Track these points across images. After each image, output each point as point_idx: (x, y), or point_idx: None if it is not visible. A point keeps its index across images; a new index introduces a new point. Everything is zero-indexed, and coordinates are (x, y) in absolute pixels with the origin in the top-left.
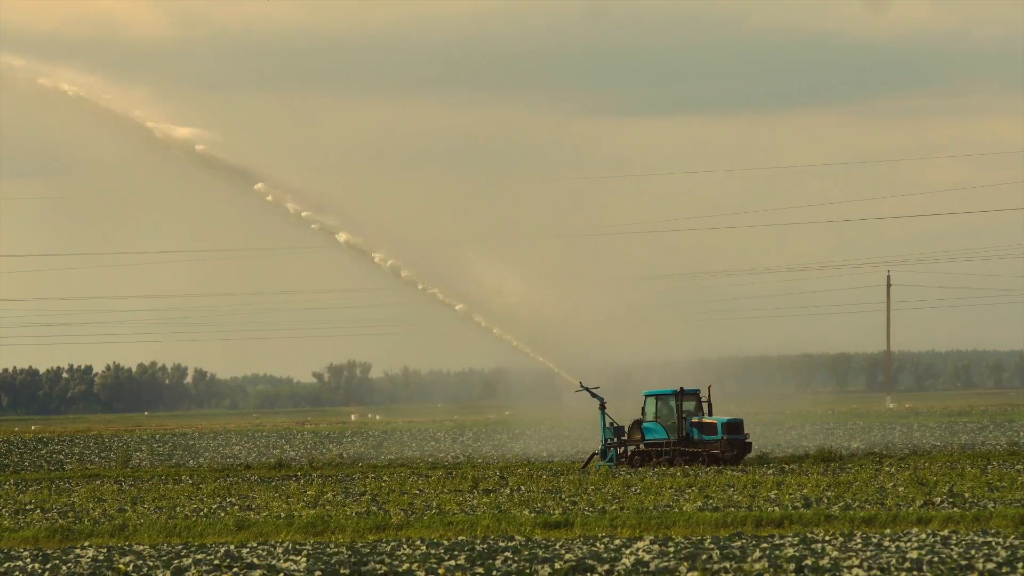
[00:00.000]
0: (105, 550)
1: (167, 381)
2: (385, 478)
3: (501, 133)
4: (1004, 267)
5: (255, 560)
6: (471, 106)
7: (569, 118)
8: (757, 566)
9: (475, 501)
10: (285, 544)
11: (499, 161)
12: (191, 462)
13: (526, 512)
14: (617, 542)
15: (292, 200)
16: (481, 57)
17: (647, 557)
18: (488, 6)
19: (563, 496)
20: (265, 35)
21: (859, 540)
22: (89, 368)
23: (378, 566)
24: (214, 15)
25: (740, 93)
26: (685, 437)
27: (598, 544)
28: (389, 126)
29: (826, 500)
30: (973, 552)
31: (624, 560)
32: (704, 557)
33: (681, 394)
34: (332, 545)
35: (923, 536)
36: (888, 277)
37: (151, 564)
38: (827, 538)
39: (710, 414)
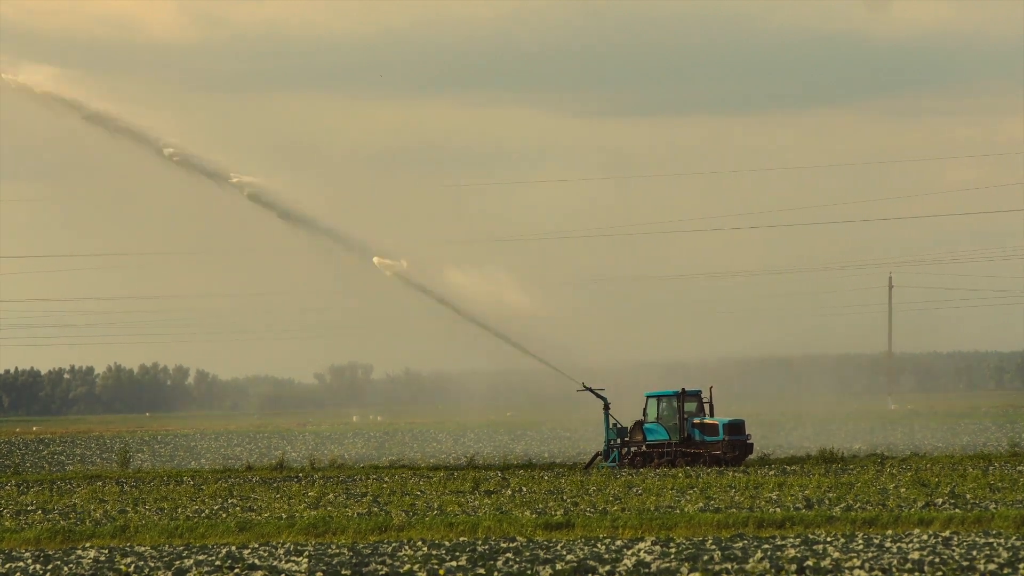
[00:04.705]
0: (107, 551)
1: (169, 382)
2: (386, 479)
3: (503, 134)
4: (1006, 268)
5: (256, 561)
6: (472, 107)
7: (569, 118)
8: (759, 567)
9: (476, 502)
10: (287, 545)
11: (500, 161)
12: (192, 463)
13: (527, 513)
14: (618, 543)
15: (290, 203)
16: (481, 58)
17: (648, 558)
18: (497, 8)
19: (564, 497)
20: (277, 37)
21: (861, 541)
22: (91, 369)
23: (379, 567)
24: (215, 14)
25: (744, 94)
26: (687, 438)
27: (599, 545)
28: (389, 126)
29: (828, 501)
30: (975, 553)
31: (625, 561)
32: (706, 558)
33: (683, 395)
34: (334, 546)
35: (925, 537)
36: (890, 278)
37: (152, 565)
38: (829, 539)
39: (712, 415)
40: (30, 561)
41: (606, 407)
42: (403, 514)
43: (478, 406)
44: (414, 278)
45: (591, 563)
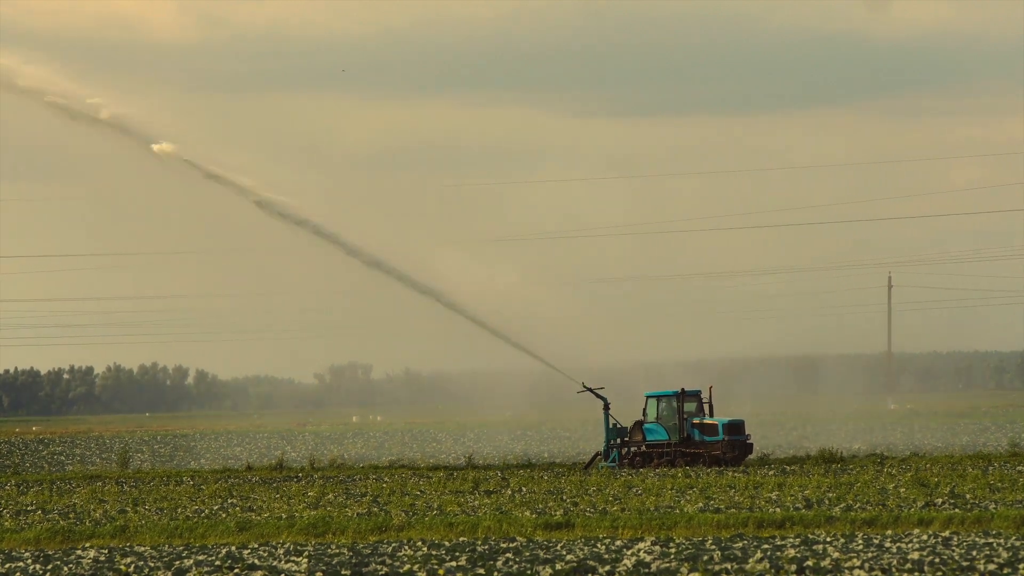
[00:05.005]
0: (106, 551)
1: (168, 382)
2: (386, 479)
3: (503, 134)
4: (1006, 268)
5: (256, 561)
6: (472, 107)
7: (569, 118)
8: (759, 567)
9: (476, 502)
10: (286, 545)
11: (500, 161)
12: (192, 463)
13: (527, 513)
14: (618, 543)
15: (288, 203)
16: (481, 58)
17: (648, 558)
18: (497, 8)
19: (564, 497)
20: (277, 37)
21: (860, 541)
22: (90, 369)
23: (379, 567)
24: (216, 14)
25: (744, 94)
26: (686, 438)
27: (599, 545)
28: (389, 126)
29: (827, 501)
30: (974, 553)
31: (625, 561)
32: (705, 558)
33: (682, 395)
34: (333, 546)
35: (924, 537)
36: (889, 278)
37: (152, 565)
38: (828, 539)
39: (711, 415)
40: (30, 561)
41: (606, 407)
42: (403, 514)
43: (478, 406)
44: (203, 165)
45: (591, 563)
